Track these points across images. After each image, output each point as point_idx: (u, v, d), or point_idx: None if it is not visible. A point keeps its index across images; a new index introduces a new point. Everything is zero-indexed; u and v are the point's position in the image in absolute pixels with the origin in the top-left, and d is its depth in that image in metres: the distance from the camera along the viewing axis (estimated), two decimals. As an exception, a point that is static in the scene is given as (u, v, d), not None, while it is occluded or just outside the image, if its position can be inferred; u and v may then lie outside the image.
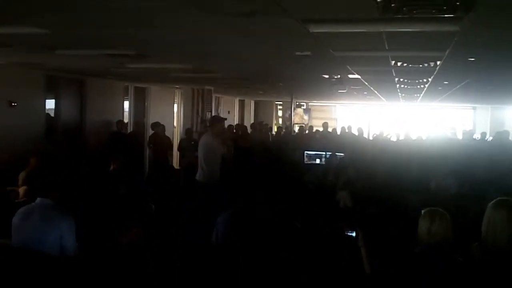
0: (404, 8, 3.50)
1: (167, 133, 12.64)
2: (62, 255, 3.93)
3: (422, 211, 4.16)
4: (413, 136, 14.73)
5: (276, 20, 4.14)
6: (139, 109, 13.50)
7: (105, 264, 3.68)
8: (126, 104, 12.99)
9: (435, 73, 8.07)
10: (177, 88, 14.72)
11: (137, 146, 12.21)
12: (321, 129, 15.30)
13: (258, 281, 3.72)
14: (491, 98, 16.68)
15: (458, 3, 3.35)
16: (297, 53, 6.12)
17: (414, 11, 3.58)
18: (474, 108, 22.09)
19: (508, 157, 9.55)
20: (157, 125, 11.75)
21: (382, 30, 4.43)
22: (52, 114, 10.43)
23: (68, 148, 10.13)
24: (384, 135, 16.17)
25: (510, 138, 13.23)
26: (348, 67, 7.67)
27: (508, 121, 20.56)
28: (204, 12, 3.93)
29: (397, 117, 22.79)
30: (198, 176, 7.28)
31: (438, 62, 6.77)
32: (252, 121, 21.08)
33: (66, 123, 10.64)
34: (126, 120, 12.59)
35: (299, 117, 21.73)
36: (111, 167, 7.89)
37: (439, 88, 11.66)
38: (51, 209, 4.05)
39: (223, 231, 4.47)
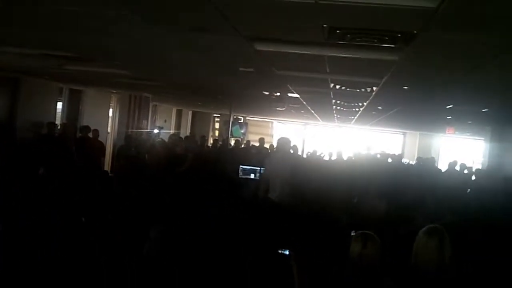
0: (348, 35, 3.63)
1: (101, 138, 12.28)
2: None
3: (353, 233, 4.26)
4: (345, 157, 15.13)
5: (223, 37, 4.17)
6: (72, 112, 13.08)
7: (32, 274, 3.54)
8: (60, 105, 12.57)
9: (370, 98, 8.36)
10: (113, 93, 14.40)
11: (67, 149, 11.76)
12: (257, 144, 15.40)
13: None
14: (419, 125, 17.48)
15: (399, 35, 3.51)
16: (241, 69, 6.17)
17: (357, 39, 3.73)
18: (404, 134, 23.04)
19: (433, 183, 10.00)
20: (85, 129, 11.38)
21: (325, 54, 4.55)
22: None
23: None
24: (318, 154, 16.51)
25: (435, 164, 13.86)
26: (288, 86, 7.81)
27: (434, 147, 21.61)
28: (154, 25, 3.91)
29: (331, 137, 23.37)
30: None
31: (375, 88, 7.02)
32: (188, 131, 20.95)
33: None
34: (58, 122, 12.16)
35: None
36: (40, 171, 7.59)
37: (373, 112, 12.09)
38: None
39: (156, 244, 4.39)
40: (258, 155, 13.68)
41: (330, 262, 3.98)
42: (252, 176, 10.83)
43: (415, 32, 3.38)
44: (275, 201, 7.08)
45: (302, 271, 3.72)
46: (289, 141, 7.55)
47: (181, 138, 13.29)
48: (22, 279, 3.60)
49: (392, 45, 3.81)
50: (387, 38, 3.60)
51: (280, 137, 7.91)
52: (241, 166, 11.00)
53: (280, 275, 3.88)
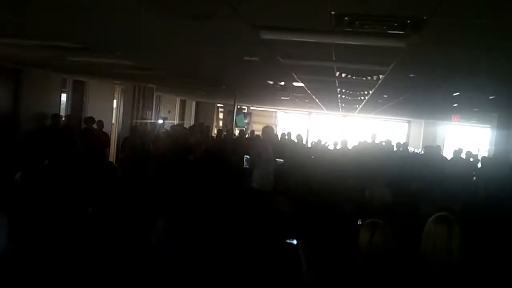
0: (357, 22, 3.57)
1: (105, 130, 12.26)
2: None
3: (359, 221, 4.21)
4: (350, 146, 15.07)
5: (228, 25, 4.11)
6: (77, 103, 13.06)
7: (35, 265, 3.52)
8: (64, 97, 12.53)
9: (376, 86, 8.28)
10: (117, 83, 14.36)
11: (72, 141, 11.73)
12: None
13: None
14: (425, 113, 17.39)
15: (408, 21, 3.45)
16: (246, 58, 6.11)
17: (366, 26, 3.67)
18: (409, 122, 22.96)
19: (439, 171, 9.96)
20: (89, 120, 11.36)
21: (332, 41, 4.48)
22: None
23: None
24: (322, 143, 16.45)
25: (441, 152, 13.79)
26: (293, 74, 7.74)
27: (439, 135, 21.54)
28: (157, 12, 3.84)
29: (336, 126, 23.31)
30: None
31: (381, 76, 6.95)
32: (192, 121, 20.93)
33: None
34: (62, 113, 12.13)
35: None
36: (45, 163, 7.57)
37: (379, 101, 12.01)
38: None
39: (163, 235, 4.37)
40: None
41: (338, 251, 3.95)
42: (257, 165, 10.84)
43: (425, 18, 3.31)
44: (256, 189, 7.37)
45: (310, 260, 3.69)
46: (269, 130, 8.78)
47: (185, 128, 13.26)
48: (25, 271, 3.58)
49: (401, 32, 3.75)
50: (396, 24, 3.54)
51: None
52: (245, 156, 11.00)
53: (287, 265, 3.86)
